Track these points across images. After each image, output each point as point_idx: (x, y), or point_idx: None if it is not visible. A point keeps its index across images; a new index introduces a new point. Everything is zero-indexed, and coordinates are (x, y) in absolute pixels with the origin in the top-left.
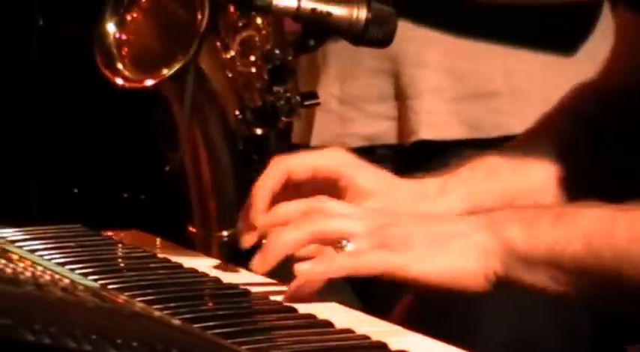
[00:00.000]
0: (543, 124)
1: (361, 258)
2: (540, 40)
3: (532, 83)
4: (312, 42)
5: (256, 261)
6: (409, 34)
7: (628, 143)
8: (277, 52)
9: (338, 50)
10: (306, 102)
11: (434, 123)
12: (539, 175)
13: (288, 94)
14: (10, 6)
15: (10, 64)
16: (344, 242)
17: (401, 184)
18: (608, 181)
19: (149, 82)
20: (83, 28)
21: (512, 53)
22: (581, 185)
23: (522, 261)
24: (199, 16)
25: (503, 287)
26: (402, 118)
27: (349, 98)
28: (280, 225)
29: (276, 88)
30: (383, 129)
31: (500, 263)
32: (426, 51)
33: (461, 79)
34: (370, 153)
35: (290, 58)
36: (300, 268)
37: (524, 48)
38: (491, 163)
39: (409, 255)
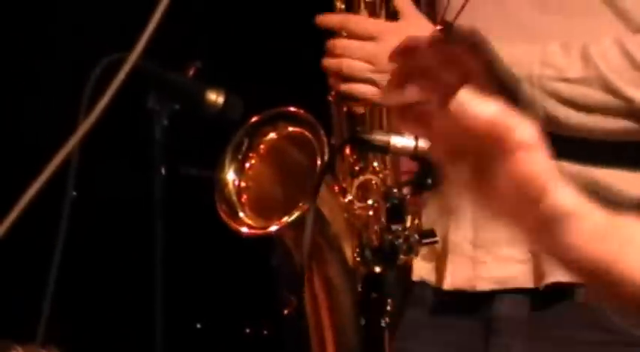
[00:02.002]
0: None
1: None
2: None
3: None
4: (429, 180)
5: None
6: None
7: None
8: (395, 190)
9: None
10: (425, 241)
11: None
12: None
13: (407, 232)
14: (135, 155)
15: (136, 208)
16: None
17: None
18: None
19: (269, 230)
20: (204, 172)
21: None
22: None
23: None
24: (319, 161)
25: None
26: (536, 261)
27: (482, 242)
28: None
29: (394, 227)
30: (514, 273)
31: None
32: None
33: None
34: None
35: (408, 196)
36: None
37: None
38: None
39: None
